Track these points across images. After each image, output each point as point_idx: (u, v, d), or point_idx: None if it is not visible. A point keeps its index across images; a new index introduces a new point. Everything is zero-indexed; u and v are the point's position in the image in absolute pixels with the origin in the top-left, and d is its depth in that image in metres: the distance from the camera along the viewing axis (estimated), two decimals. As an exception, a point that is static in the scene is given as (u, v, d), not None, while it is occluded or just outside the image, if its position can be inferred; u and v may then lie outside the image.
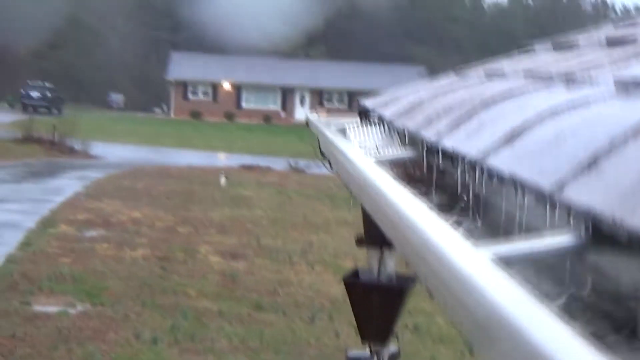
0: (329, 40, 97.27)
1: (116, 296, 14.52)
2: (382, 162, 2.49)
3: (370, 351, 4.68)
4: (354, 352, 5.08)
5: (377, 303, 4.43)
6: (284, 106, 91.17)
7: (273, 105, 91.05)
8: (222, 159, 45.81)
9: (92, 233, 20.00)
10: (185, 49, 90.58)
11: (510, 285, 1.08)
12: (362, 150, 3.08)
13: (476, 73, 4.15)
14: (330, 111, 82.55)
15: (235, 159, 44.20)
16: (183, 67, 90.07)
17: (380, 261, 4.60)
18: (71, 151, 40.35)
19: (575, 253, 1.52)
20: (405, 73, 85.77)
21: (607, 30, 4.12)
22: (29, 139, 41.69)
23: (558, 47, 4.07)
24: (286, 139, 55.54)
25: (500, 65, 4.13)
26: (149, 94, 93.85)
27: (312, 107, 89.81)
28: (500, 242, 1.51)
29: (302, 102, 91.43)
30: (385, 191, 1.65)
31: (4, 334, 12.04)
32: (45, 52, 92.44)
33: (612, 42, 3.39)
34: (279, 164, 40.40)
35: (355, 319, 4.62)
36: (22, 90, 78.21)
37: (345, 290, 4.64)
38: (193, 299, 14.79)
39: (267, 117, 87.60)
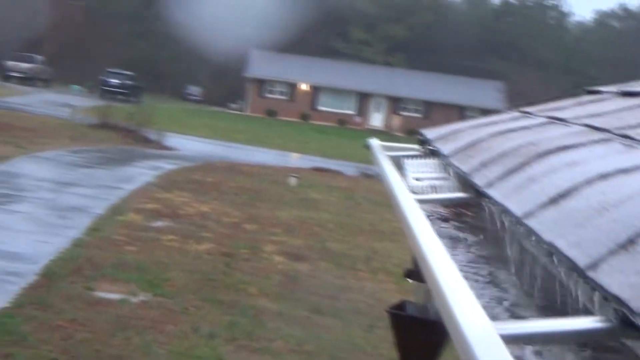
0: (411, 49, 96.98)
1: (178, 288, 14.58)
2: (426, 201, 2.47)
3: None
4: None
5: (420, 337, 4.36)
6: (359, 111, 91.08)
7: (348, 109, 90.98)
8: (294, 160, 45.90)
9: (159, 223, 20.13)
10: (266, 47, 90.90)
11: None
12: (416, 182, 3.07)
13: (538, 113, 4.09)
14: (405, 119, 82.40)
15: (307, 160, 44.26)
16: (262, 65, 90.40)
17: (427, 296, 4.53)
18: (145, 140, 40.64)
19: (595, 337, 1.49)
20: (484, 88, 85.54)
21: None
22: (105, 126, 42.11)
23: (626, 93, 3.99)
24: (359, 143, 55.30)
25: (564, 106, 4.06)
26: (226, 89, 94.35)
27: (388, 114, 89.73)
28: (518, 319, 1.48)
29: (378, 108, 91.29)
30: (419, 238, 1.62)
31: (65, 317, 12.14)
32: (128, 40, 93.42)
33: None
34: (350, 168, 40.35)
35: (397, 352, 4.55)
36: (101, 77, 79.08)
37: (389, 321, 4.57)
38: (254, 297, 14.80)
39: (342, 121, 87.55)
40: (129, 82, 79.11)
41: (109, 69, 79.20)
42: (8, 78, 76.65)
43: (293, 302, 14.83)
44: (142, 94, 79.10)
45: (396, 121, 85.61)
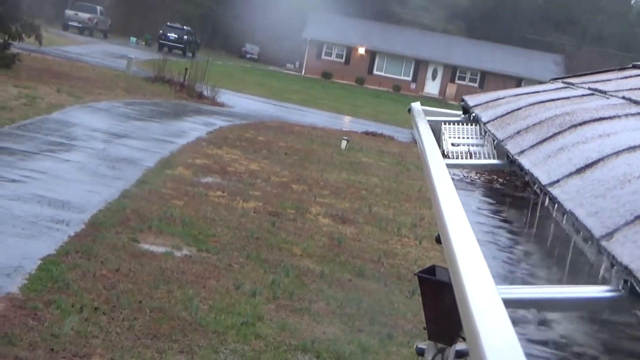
0: (469, 17, 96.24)
1: (222, 245, 14.65)
2: (458, 166, 2.47)
3: (437, 349, 4.60)
4: (422, 345, 5.01)
5: (448, 302, 4.34)
6: (415, 78, 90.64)
7: (404, 75, 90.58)
8: (346, 123, 45.86)
9: (207, 179, 20.22)
10: (324, 9, 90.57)
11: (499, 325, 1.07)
12: (453, 147, 3.06)
13: (581, 85, 4.05)
14: (460, 88, 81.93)
15: (360, 124, 44.20)
16: (320, 27, 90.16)
17: None
18: (199, 96, 40.76)
19: (602, 306, 1.48)
20: (543, 60, 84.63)
21: None
22: (160, 79, 42.29)
23: None
24: (413, 110, 55.09)
25: (608, 79, 4.02)
26: (283, 49, 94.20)
27: (443, 82, 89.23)
28: (526, 284, 1.48)
29: (434, 76, 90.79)
30: (439, 200, 1.62)
31: (109, 267, 12.25)
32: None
33: None
34: (402, 134, 40.23)
35: (425, 316, 4.53)
36: (160, 30, 79.29)
37: (418, 284, 4.55)
38: (297, 257, 14.84)
39: (397, 87, 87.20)
40: (187, 37, 79.26)
41: (168, 23, 79.37)
42: (67, 27, 77.10)
43: (336, 264, 14.85)
44: (199, 49, 79.31)
45: (451, 89, 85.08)
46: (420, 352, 5.03)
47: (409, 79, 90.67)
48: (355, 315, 12.46)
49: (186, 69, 42.40)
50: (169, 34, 78.72)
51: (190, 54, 75.27)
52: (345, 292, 13.40)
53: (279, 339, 10.95)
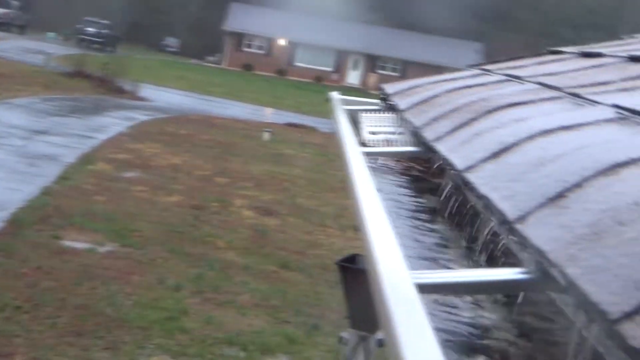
0: (390, 7, 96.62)
1: (145, 239, 14.54)
2: (375, 154, 2.49)
3: (359, 337, 4.62)
4: (347, 335, 5.03)
5: (369, 290, 4.34)
6: (336, 68, 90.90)
7: (326, 66, 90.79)
8: (269, 115, 45.80)
9: (129, 174, 20.06)
10: (245, 1, 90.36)
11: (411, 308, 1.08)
12: (371, 136, 3.08)
13: (498, 71, 4.11)
14: (382, 77, 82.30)
15: (282, 115, 44.18)
16: (240, 18, 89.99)
17: None
18: (120, 91, 40.42)
19: (516, 288, 1.50)
20: (463, 48, 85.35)
21: (636, 43, 4.08)
22: (79, 74, 41.84)
23: (585, 54, 4.02)
24: (335, 101, 55.19)
25: (524, 65, 4.08)
26: (204, 42, 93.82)
27: (365, 72, 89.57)
28: (441, 269, 1.50)
29: (355, 66, 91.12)
30: (355, 187, 1.63)
31: (31, 265, 12.10)
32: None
33: (634, 59, 3.34)
34: (324, 125, 40.25)
35: (346, 305, 4.54)
36: (78, 25, 78.42)
37: (338, 273, 4.55)
38: (221, 250, 14.78)
39: (319, 77, 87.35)
40: (106, 32, 78.52)
41: (86, 18, 78.50)
42: (-18, 23, 75.88)
43: (260, 256, 14.83)
44: (119, 43, 78.62)
45: (373, 79, 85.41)
46: (344, 342, 5.04)
47: (331, 69, 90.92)
48: (281, 306, 12.45)
49: (106, 64, 42.00)
50: (87, 29, 77.92)
51: (109, 49, 74.53)
52: (270, 284, 13.38)
53: (205, 333, 10.91)
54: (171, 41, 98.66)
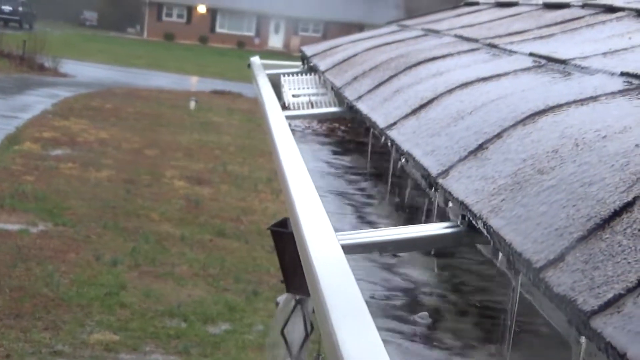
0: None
1: (78, 217, 14.46)
2: (298, 117, 2.52)
3: (295, 300, 4.67)
4: (281, 298, 5.08)
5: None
6: (258, 32, 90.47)
7: (247, 31, 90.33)
8: (194, 83, 45.54)
9: (57, 152, 19.87)
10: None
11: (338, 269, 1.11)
12: (294, 99, 3.11)
13: (416, 26, 4.16)
14: (304, 39, 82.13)
15: (207, 83, 43.92)
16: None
17: None
18: (41, 68, 39.85)
19: (443, 243, 1.54)
20: (382, 5, 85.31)
21: None
22: (-2, 54, 41.17)
23: (500, 4, 4.09)
24: (259, 65, 54.90)
25: (442, 18, 4.14)
26: (122, 14, 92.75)
27: (287, 35, 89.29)
28: (369, 229, 1.53)
29: (276, 30, 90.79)
30: (279, 153, 1.65)
31: (-37, 250, 12.00)
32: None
33: (549, 6, 3.41)
34: (250, 90, 40.10)
35: (281, 269, 4.59)
36: (-7, 4, 77.05)
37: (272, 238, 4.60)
38: (156, 222, 14.76)
39: (241, 43, 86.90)
40: (22, 9, 77.17)
41: (0, -5, 77.17)
42: None
43: (196, 226, 14.83)
44: (36, 20, 77.38)
45: (295, 42, 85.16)
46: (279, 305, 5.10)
47: (252, 34, 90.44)
48: (219, 275, 12.49)
49: (24, 42, 41.36)
50: (2, 7, 76.52)
51: (27, 26, 73.31)
52: (207, 253, 13.41)
53: (145, 306, 10.92)
54: (89, 15, 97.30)
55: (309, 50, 4.60)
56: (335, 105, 3.19)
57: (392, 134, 2.00)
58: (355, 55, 3.58)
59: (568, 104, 1.84)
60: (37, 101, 28.94)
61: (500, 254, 1.47)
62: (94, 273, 11.86)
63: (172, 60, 57.47)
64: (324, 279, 1.15)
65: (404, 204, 1.98)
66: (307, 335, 4.80)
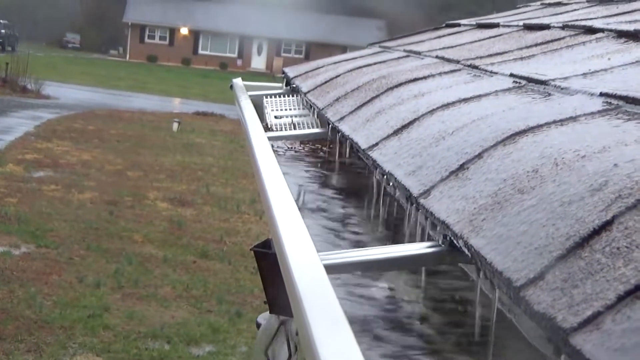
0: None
1: (61, 239, 14.43)
2: (280, 138, 2.55)
3: (279, 321, 4.67)
4: (263, 318, 5.07)
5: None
6: (240, 54, 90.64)
7: (230, 52, 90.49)
8: (176, 105, 45.54)
9: (40, 174, 19.84)
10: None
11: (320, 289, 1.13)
12: (276, 120, 3.14)
13: (397, 47, 4.19)
14: (287, 61, 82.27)
15: (190, 105, 43.94)
16: (141, 9, 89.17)
17: None
18: (23, 90, 39.82)
19: (425, 262, 1.57)
20: (365, 27, 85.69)
21: (532, 12, 4.20)
22: (-21, 76, 41.11)
23: (482, 26, 4.13)
24: (242, 87, 54.93)
25: (423, 40, 4.17)
26: (105, 36, 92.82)
27: (269, 56, 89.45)
28: (350, 249, 1.55)
29: (259, 51, 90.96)
30: (263, 176, 1.67)
31: (-55, 273, 11.95)
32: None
33: (530, 27, 3.45)
34: (233, 112, 40.08)
35: (264, 290, 4.59)
36: (-25, 26, 77.00)
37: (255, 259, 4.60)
38: (139, 244, 14.74)
39: (224, 64, 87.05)
40: (4, 31, 77.16)
41: (-17, 18, 77.11)
42: None
43: (179, 247, 14.82)
44: (19, 42, 77.35)
45: (278, 63, 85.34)
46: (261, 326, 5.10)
47: (235, 55, 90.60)
48: (203, 296, 12.48)
49: (7, 64, 41.33)
50: (-16, 29, 76.50)
51: (9, 48, 73.30)
52: (191, 275, 13.39)
53: (128, 328, 10.90)
54: (72, 37, 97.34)
55: (291, 71, 4.63)
56: (317, 127, 3.22)
57: (374, 154, 2.03)
58: (337, 76, 3.61)
59: (548, 124, 1.87)
60: (20, 123, 28.89)
61: (482, 274, 1.50)
62: (77, 295, 11.83)
63: (155, 82, 57.48)
64: (306, 300, 1.17)
65: (385, 224, 2.00)
66: (290, 356, 4.81)
